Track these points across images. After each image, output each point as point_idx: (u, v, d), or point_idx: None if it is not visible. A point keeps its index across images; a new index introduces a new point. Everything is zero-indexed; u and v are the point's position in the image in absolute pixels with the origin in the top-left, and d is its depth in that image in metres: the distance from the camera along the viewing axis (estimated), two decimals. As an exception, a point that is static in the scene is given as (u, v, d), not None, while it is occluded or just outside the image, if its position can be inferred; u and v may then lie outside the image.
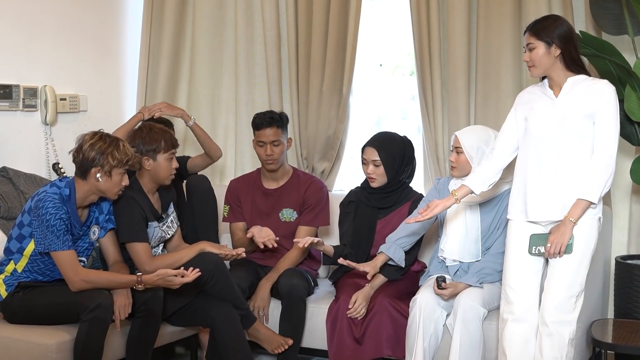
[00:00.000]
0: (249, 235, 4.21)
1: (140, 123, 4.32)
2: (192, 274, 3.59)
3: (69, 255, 3.53)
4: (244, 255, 3.99)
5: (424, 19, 4.64)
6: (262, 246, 4.17)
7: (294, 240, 4.12)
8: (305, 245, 3.99)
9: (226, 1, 5.21)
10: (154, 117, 4.46)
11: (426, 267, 4.16)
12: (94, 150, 3.55)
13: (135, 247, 3.82)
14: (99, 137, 3.60)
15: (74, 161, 3.62)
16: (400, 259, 3.97)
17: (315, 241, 4.00)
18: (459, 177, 3.90)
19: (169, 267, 3.66)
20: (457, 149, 3.88)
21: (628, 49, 4.16)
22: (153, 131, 3.89)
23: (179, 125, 4.74)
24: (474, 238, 3.90)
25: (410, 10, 4.70)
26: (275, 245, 4.17)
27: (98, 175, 3.56)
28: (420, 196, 4.19)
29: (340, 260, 3.91)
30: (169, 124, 4.50)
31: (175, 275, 3.57)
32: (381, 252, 3.98)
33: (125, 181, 3.65)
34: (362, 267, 3.93)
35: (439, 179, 4.13)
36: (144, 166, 3.88)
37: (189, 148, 5.18)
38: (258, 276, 4.29)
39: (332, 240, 4.57)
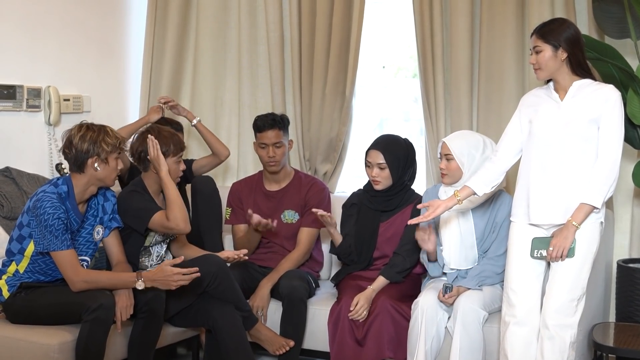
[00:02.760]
0: (249, 218, 4.22)
1: (146, 125, 4.36)
2: (191, 273, 3.60)
3: (68, 255, 3.54)
4: (246, 258, 4.01)
5: (426, 22, 4.64)
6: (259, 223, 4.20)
7: (312, 210, 4.13)
8: (319, 215, 4.05)
9: (230, 3, 5.22)
10: (170, 104, 4.59)
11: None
12: (86, 142, 3.56)
13: (155, 217, 3.81)
14: (86, 127, 3.61)
15: (66, 158, 3.63)
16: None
17: (329, 217, 4.06)
18: (449, 184, 3.89)
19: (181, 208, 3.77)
20: (447, 156, 3.87)
21: (631, 53, 4.16)
22: (162, 135, 3.90)
23: (183, 125, 4.76)
24: (469, 244, 3.89)
25: (413, 13, 4.70)
26: (273, 226, 4.23)
27: (96, 164, 3.58)
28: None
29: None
30: (178, 126, 4.53)
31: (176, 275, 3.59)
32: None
33: (120, 164, 3.68)
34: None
35: (427, 190, 4.13)
36: (152, 169, 3.89)
37: (192, 149, 5.19)
38: (253, 279, 4.30)
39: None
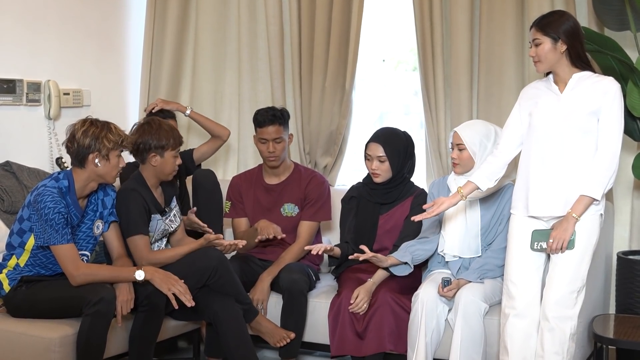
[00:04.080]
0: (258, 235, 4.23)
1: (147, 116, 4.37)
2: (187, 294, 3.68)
3: (69, 249, 3.54)
4: (244, 242, 4.02)
5: (426, 15, 4.64)
6: (263, 238, 4.18)
7: (306, 247, 4.11)
8: (319, 253, 4.01)
9: (229, -3, 5.24)
10: (153, 111, 4.51)
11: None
12: (88, 137, 3.56)
13: (136, 241, 3.84)
14: (90, 123, 3.61)
15: (68, 152, 3.63)
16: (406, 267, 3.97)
17: (328, 248, 4.02)
18: (461, 174, 3.90)
19: (168, 260, 3.79)
20: (459, 146, 3.88)
21: (630, 45, 4.16)
22: (162, 128, 3.89)
23: (181, 119, 4.75)
24: (474, 233, 3.90)
25: (413, 6, 4.71)
26: (283, 235, 4.22)
27: (96, 160, 3.58)
28: (422, 191, 4.20)
29: (354, 256, 3.89)
30: (169, 114, 4.51)
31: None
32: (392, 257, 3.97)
33: (122, 162, 3.67)
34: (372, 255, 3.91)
35: (433, 182, 4.13)
36: (150, 162, 3.89)
37: (192, 138, 5.20)
38: (253, 272, 4.30)
39: (333, 234, 4.59)
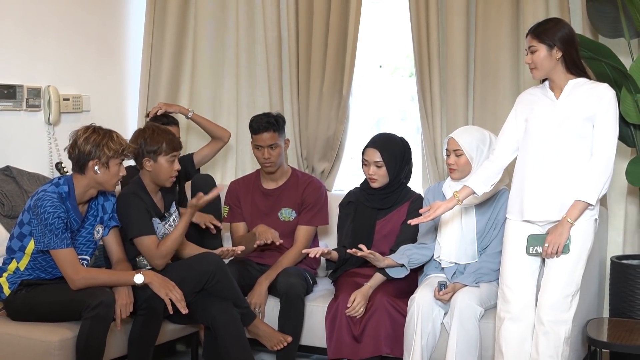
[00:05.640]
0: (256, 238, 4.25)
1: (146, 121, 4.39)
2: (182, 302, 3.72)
3: (68, 254, 3.57)
4: (243, 247, 4.05)
5: (423, 21, 4.67)
6: (261, 243, 4.21)
7: (304, 251, 4.15)
8: (317, 256, 4.04)
9: (228, 2, 5.24)
10: (158, 114, 4.53)
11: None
12: (89, 144, 3.58)
13: (144, 241, 3.86)
14: (92, 130, 3.63)
15: (69, 157, 3.65)
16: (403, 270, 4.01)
17: (325, 251, 4.06)
18: (459, 179, 3.92)
19: (175, 244, 3.87)
20: (456, 152, 3.90)
21: (624, 52, 4.19)
22: (156, 133, 3.91)
23: (181, 122, 4.78)
24: (470, 239, 3.93)
25: (410, 12, 4.73)
26: (281, 241, 4.25)
27: (96, 167, 3.60)
28: (419, 196, 4.23)
29: (352, 251, 3.93)
30: (169, 119, 4.54)
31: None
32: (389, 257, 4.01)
33: (123, 171, 3.69)
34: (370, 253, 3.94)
35: (429, 188, 4.16)
36: (145, 167, 3.92)
37: (191, 141, 5.23)
38: (251, 276, 4.33)
39: (330, 239, 4.61)
